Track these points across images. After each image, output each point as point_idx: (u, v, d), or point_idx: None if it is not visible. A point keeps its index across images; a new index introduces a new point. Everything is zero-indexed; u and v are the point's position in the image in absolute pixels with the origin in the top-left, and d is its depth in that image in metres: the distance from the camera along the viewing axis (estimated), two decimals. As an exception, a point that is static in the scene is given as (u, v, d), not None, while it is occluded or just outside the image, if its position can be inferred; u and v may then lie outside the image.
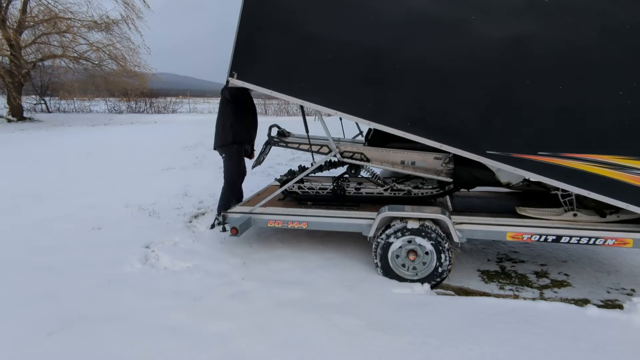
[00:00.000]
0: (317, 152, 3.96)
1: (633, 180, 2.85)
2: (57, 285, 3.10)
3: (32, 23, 15.64)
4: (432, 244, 3.20)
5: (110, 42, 17.11)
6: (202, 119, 20.37)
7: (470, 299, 3.01)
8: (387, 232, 3.26)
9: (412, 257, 3.24)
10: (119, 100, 23.99)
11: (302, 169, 4.18)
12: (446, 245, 3.19)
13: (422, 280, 3.25)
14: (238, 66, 3.28)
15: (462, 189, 4.00)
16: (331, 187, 3.99)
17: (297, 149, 4.04)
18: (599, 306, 2.85)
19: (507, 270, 3.61)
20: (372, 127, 3.17)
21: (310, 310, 2.79)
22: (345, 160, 3.88)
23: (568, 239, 3.10)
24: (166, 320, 2.65)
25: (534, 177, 3.01)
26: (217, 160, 8.32)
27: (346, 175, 4.09)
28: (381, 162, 3.83)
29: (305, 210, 3.71)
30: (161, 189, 5.92)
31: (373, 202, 3.89)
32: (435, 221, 3.27)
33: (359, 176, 4.09)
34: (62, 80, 18.24)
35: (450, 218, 3.22)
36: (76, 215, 4.72)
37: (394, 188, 3.95)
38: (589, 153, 2.88)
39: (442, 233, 3.20)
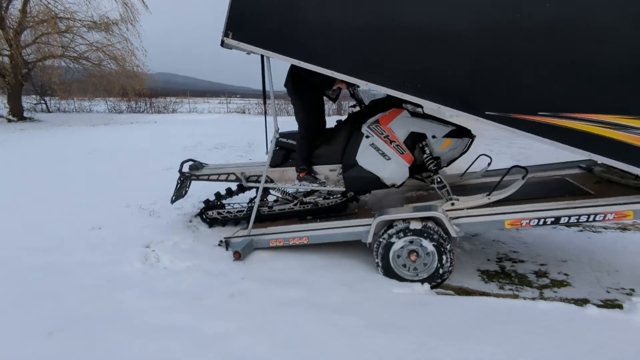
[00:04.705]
0: (226, 180, 4.16)
1: (634, 140, 2.77)
2: (57, 285, 3.10)
3: (31, 23, 15.62)
4: (433, 245, 3.20)
5: (110, 42, 17.10)
6: (202, 118, 20.36)
7: (470, 299, 3.01)
8: (390, 232, 3.26)
9: (413, 257, 3.24)
10: (118, 100, 23.96)
11: (218, 196, 4.39)
12: (448, 246, 3.19)
13: (422, 281, 3.25)
14: (234, 23, 3.11)
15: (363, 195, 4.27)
16: (247, 208, 4.22)
17: (207, 180, 4.24)
18: (598, 306, 2.85)
19: (507, 270, 3.61)
20: (368, 88, 3.15)
21: (310, 310, 2.79)
22: (250, 184, 4.09)
23: (567, 219, 3.06)
24: (166, 319, 2.65)
25: (533, 138, 2.92)
26: (217, 161, 8.32)
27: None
28: (284, 181, 4.00)
29: (305, 225, 3.78)
30: (161, 188, 5.88)
31: (286, 218, 4.09)
32: (435, 221, 3.26)
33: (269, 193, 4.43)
34: (59, 80, 18.18)
35: (444, 213, 3.22)
36: (76, 215, 4.71)
37: (302, 202, 4.09)
38: (590, 113, 2.79)
39: (444, 234, 3.20)
